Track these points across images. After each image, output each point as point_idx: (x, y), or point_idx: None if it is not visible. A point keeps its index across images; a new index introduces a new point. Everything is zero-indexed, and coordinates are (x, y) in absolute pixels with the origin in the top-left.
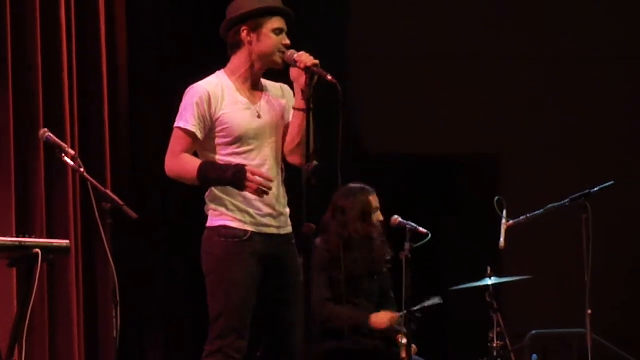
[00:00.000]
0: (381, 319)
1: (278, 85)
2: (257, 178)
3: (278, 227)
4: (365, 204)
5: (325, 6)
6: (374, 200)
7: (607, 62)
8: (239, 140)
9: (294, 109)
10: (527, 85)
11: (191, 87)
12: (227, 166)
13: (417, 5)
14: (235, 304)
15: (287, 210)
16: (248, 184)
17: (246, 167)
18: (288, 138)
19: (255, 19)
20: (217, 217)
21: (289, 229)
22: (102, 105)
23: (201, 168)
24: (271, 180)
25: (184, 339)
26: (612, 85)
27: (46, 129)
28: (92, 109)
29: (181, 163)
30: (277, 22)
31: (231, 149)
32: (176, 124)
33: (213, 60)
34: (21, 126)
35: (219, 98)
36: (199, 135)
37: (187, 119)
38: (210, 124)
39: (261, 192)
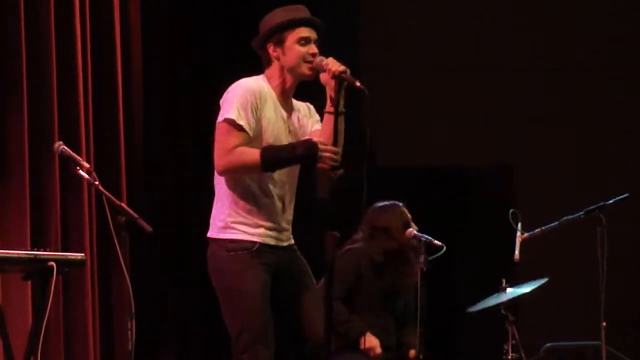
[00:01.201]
0: (372, 342)
1: (305, 104)
2: (329, 148)
3: (281, 240)
4: (403, 215)
5: (336, 18)
6: (406, 211)
7: (622, 73)
8: None
9: (325, 112)
10: (541, 97)
11: (239, 82)
12: (294, 144)
13: (431, 17)
14: (255, 314)
15: (290, 226)
16: (323, 154)
17: (313, 139)
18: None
19: (278, 33)
20: (223, 228)
21: (291, 242)
22: (117, 118)
23: (265, 153)
24: (337, 152)
25: (199, 351)
26: (628, 96)
27: (61, 142)
28: (107, 121)
29: (239, 156)
30: (301, 32)
31: None
32: (227, 115)
33: (228, 73)
34: (36, 139)
35: (266, 100)
36: (251, 133)
37: (240, 113)
38: (254, 123)
39: (334, 164)
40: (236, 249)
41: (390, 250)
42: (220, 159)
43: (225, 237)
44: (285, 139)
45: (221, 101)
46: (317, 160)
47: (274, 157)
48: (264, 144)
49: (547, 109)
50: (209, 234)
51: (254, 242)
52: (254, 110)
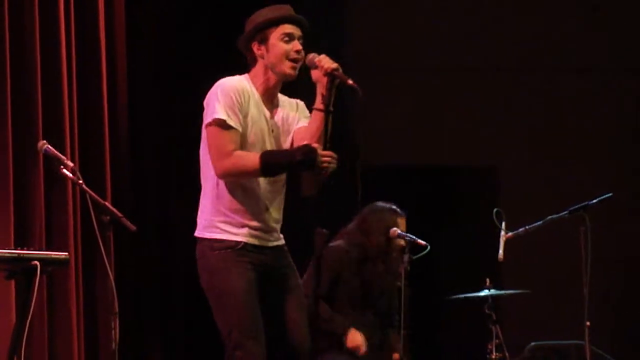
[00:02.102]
0: (357, 340)
1: (294, 101)
2: (328, 153)
3: (268, 240)
4: (392, 223)
5: (324, 17)
6: (402, 224)
7: (605, 74)
8: (252, 146)
9: (315, 109)
10: (526, 97)
11: (221, 81)
12: (293, 149)
13: (418, 17)
14: (244, 311)
15: (279, 226)
16: (323, 159)
17: (312, 145)
18: (306, 138)
19: (261, 31)
20: (208, 227)
21: (280, 242)
22: (101, 117)
23: (264, 159)
24: (333, 157)
25: (184, 350)
26: (610, 97)
27: (45, 141)
28: (92, 120)
29: (238, 161)
30: (284, 29)
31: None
32: (217, 116)
33: (213, 75)
34: (20, 138)
35: (249, 98)
36: (241, 130)
37: (228, 113)
38: (242, 120)
39: (332, 168)
40: (221, 248)
41: (368, 248)
42: (219, 162)
43: (210, 237)
44: (267, 140)
45: (205, 102)
46: (316, 165)
47: (273, 163)
48: (248, 143)
49: (533, 109)
50: (196, 233)
51: (238, 242)
52: (239, 108)
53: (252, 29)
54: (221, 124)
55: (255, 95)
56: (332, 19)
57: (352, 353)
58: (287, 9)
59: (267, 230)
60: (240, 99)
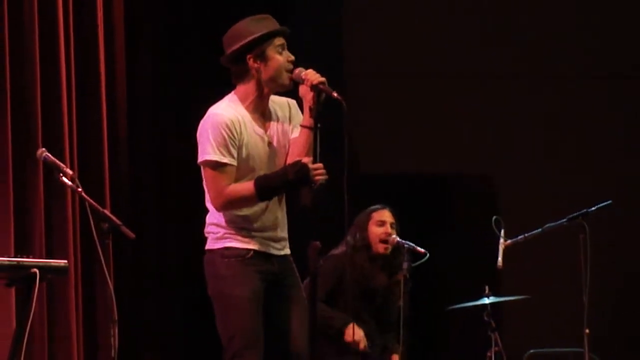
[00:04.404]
0: (357, 335)
1: (285, 101)
2: (318, 165)
3: (276, 249)
4: (367, 217)
5: (318, 25)
6: (377, 214)
7: (604, 81)
8: (252, 170)
9: (301, 126)
10: (525, 104)
11: (212, 115)
12: (284, 169)
13: (412, 24)
14: (246, 320)
15: (286, 234)
16: (315, 172)
17: (302, 160)
18: (295, 153)
19: (258, 45)
20: (219, 239)
21: (287, 251)
22: (100, 124)
23: (258, 184)
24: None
25: (183, 357)
26: (610, 104)
27: (44, 149)
28: (91, 128)
29: (235, 194)
30: (278, 41)
31: (242, 177)
32: (209, 157)
33: (215, 83)
34: (19, 146)
35: (240, 127)
36: (236, 163)
37: (220, 152)
38: (236, 153)
39: (325, 179)
40: (230, 256)
41: (361, 246)
42: (216, 199)
43: (222, 246)
44: (265, 157)
45: (198, 135)
46: (310, 180)
47: (268, 188)
48: (248, 169)
49: (531, 116)
50: (207, 247)
51: (249, 250)
52: (232, 143)
53: (248, 42)
54: (214, 165)
55: (246, 119)
56: (325, 27)
57: (353, 353)
58: (272, 20)
59: (276, 239)
60: (232, 132)
